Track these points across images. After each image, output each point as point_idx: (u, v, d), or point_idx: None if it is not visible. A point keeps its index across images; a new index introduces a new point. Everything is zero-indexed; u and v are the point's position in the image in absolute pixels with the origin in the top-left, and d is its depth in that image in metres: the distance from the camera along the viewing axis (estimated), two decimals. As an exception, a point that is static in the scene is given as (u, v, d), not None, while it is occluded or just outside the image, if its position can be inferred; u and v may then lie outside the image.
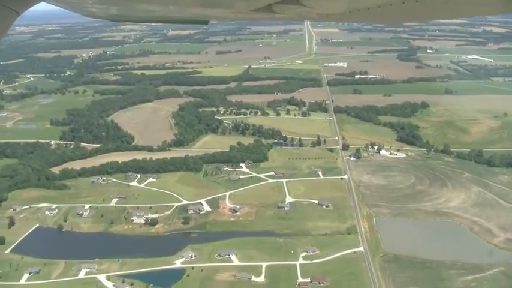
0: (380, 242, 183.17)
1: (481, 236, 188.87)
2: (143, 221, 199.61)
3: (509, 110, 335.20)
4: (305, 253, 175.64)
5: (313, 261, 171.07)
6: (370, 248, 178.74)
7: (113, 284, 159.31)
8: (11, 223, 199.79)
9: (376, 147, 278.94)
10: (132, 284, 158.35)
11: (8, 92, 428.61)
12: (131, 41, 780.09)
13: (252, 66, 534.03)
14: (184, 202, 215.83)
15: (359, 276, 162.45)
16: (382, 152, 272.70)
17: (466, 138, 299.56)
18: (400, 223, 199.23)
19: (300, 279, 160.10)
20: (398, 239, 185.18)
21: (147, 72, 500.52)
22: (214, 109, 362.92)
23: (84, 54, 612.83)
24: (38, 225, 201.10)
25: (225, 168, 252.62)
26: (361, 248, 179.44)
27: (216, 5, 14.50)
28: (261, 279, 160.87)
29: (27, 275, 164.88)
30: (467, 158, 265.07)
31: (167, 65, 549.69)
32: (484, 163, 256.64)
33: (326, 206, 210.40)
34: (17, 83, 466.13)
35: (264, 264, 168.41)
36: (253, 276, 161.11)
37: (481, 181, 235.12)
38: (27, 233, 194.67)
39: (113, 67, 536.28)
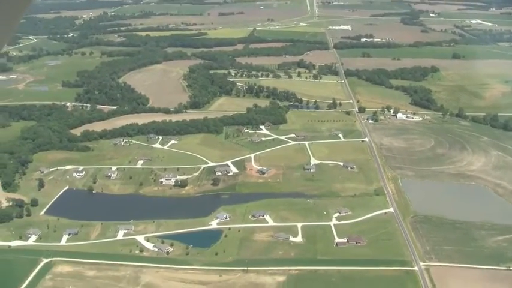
0: (409, 203, 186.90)
1: (506, 198, 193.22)
2: (172, 183, 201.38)
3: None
4: (337, 214, 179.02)
5: (346, 222, 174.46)
6: (400, 209, 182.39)
7: (153, 244, 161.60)
8: (41, 185, 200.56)
9: (392, 110, 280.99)
10: (172, 245, 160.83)
11: (14, 53, 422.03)
12: (130, 1, 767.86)
13: (257, 29, 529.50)
14: (211, 164, 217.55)
15: (393, 237, 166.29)
16: (399, 115, 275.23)
17: (479, 102, 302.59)
18: (426, 185, 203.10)
19: (336, 239, 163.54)
20: (426, 201, 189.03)
21: (151, 33, 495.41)
22: (225, 71, 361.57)
23: (84, 15, 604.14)
24: (67, 187, 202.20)
25: (246, 130, 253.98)
26: (391, 209, 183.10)
27: None
28: (299, 239, 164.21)
29: (66, 236, 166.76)
30: (482, 122, 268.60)
31: (170, 26, 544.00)
32: (500, 127, 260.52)
33: (351, 168, 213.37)
34: (21, 44, 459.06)
35: (299, 225, 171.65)
36: (290, 237, 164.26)
37: (499, 145, 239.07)
38: (58, 195, 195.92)
39: (116, 28, 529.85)
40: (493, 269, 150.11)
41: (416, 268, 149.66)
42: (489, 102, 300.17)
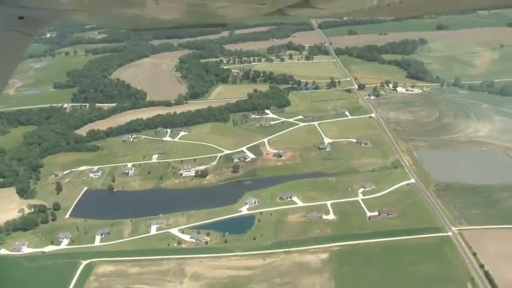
0: (428, 173, 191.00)
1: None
2: (193, 174, 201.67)
3: (503, 42, 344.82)
4: (362, 189, 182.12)
5: (373, 196, 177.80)
6: (421, 179, 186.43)
7: (190, 236, 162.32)
8: (59, 189, 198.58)
9: (391, 85, 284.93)
10: (208, 234, 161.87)
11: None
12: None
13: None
14: (226, 152, 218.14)
15: (421, 206, 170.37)
16: (399, 89, 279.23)
17: (472, 70, 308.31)
18: (440, 154, 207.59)
19: (368, 213, 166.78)
20: (443, 169, 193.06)
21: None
22: (216, 59, 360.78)
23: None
24: (86, 188, 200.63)
25: (252, 116, 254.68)
26: (413, 180, 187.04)
27: (230, 11, 14.78)
28: (331, 216, 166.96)
29: (99, 236, 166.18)
30: (479, 90, 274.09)
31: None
32: (497, 93, 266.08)
33: (365, 144, 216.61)
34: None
35: (329, 203, 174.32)
36: (323, 215, 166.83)
37: (500, 110, 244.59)
38: (79, 197, 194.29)
39: (94, 25, 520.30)
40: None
41: (450, 233, 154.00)
42: (482, 70, 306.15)
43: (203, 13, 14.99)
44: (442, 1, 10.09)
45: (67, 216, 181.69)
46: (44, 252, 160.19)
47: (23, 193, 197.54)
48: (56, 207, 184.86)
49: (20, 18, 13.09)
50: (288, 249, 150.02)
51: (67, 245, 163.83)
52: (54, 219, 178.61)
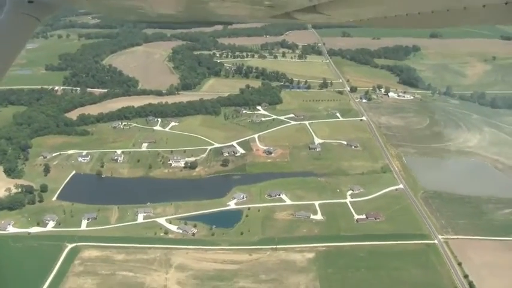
0: (416, 180, 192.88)
1: (506, 173, 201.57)
2: (182, 165, 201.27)
3: (496, 54, 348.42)
4: (351, 191, 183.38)
5: (361, 199, 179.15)
6: (409, 186, 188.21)
7: (177, 226, 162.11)
8: (47, 170, 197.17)
9: (383, 89, 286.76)
10: (195, 226, 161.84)
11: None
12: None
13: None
14: (216, 145, 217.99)
15: (408, 212, 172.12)
16: (391, 94, 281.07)
17: (463, 80, 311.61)
18: (429, 161, 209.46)
19: (356, 216, 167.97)
20: (432, 177, 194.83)
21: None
22: (209, 52, 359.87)
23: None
24: (74, 172, 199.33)
25: (244, 111, 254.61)
26: (401, 186, 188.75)
27: (237, 11, 15.06)
28: (319, 217, 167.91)
29: (86, 221, 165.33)
30: (470, 100, 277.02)
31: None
32: (488, 105, 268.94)
33: (355, 147, 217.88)
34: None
35: (317, 203, 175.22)
36: (311, 215, 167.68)
37: (490, 122, 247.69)
38: (66, 180, 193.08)
39: (97, 13, 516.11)
40: (506, 240, 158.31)
41: (436, 241, 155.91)
42: (473, 81, 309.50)
43: (210, 11, 15.05)
44: (449, 18, 10.31)
45: (54, 198, 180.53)
46: (29, 233, 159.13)
47: (11, 172, 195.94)
48: (43, 188, 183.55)
49: (30, 1, 13.39)
50: (274, 247, 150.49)
51: (53, 227, 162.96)
52: (41, 201, 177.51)
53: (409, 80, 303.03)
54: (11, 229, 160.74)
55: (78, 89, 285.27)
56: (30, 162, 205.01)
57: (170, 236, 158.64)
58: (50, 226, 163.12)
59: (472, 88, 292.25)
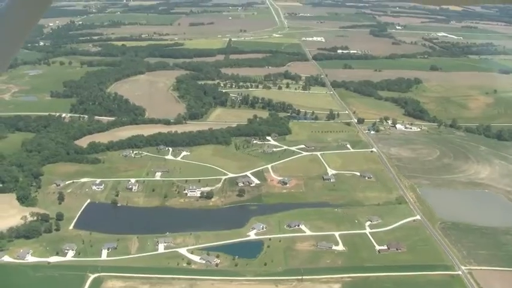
0: (433, 211, 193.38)
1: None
2: (198, 195, 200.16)
3: (496, 87, 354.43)
4: (369, 222, 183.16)
5: (380, 230, 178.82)
6: (427, 217, 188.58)
7: (199, 257, 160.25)
8: (61, 198, 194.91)
9: (389, 121, 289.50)
10: (218, 256, 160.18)
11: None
12: (94, 10, 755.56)
13: (233, 39, 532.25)
14: (231, 175, 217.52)
15: (429, 243, 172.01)
16: (398, 126, 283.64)
17: (467, 113, 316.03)
18: (443, 193, 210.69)
19: (377, 247, 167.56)
20: (448, 208, 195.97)
21: (127, 43, 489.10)
22: (213, 82, 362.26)
23: (51, 24, 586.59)
24: (89, 200, 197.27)
25: (254, 141, 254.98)
26: (418, 217, 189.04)
27: None
28: (341, 247, 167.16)
29: (106, 250, 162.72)
30: (476, 132, 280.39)
31: (143, 36, 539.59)
32: (494, 137, 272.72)
33: (368, 178, 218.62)
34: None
35: (337, 234, 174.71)
36: (333, 245, 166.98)
37: (498, 154, 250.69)
38: (82, 209, 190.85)
39: (88, 38, 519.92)
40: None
41: (459, 272, 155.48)
42: (477, 113, 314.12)
43: None
44: None
45: (71, 227, 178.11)
46: (49, 263, 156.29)
47: (24, 200, 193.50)
48: (59, 217, 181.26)
49: None
50: (300, 277, 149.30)
51: (72, 256, 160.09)
52: (57, 229, 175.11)
53: (415, 112, 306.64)
54: (30, 258, 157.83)
55: (86, 116, 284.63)
56: (42, 190, 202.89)
57: (193, 266, 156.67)
58: (70, 255, 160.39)
59: (476, 120, 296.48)
